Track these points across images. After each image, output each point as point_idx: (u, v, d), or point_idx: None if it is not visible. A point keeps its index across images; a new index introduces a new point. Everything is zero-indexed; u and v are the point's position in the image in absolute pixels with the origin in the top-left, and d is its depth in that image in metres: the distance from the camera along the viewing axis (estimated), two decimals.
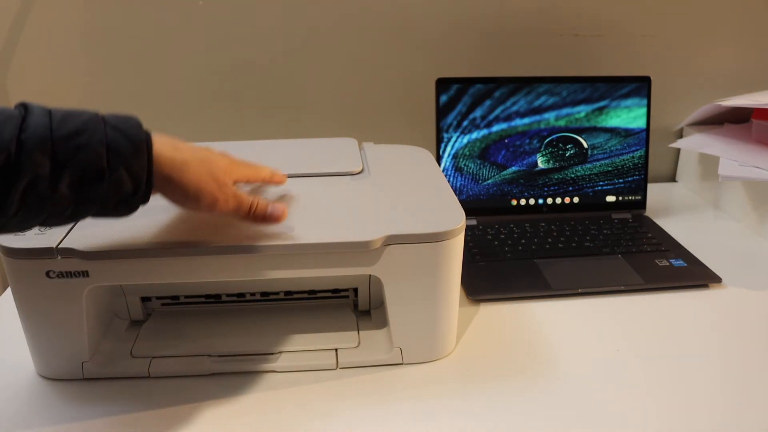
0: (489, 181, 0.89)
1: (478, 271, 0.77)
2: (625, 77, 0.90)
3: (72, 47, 0.94)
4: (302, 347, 0.62)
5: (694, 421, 0.54)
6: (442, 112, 0.88)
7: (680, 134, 1.09)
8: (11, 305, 0.62)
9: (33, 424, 0.54)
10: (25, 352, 0.60)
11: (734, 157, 0.88)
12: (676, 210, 0.97)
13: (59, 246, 0.53)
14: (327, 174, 0.68)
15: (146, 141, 0.47)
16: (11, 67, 0.94)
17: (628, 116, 0.90)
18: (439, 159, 0.88)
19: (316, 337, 0.63)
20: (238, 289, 0.66)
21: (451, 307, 0.61)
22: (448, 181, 0.75)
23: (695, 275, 0.76)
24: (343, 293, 0.68)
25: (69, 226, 0.56)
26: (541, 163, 0.90)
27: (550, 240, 0.84)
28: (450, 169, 0.89)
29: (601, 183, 0.91)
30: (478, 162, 0.89)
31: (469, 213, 0.77)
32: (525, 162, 0.90)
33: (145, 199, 0.48)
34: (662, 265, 0.78)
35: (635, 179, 0.92)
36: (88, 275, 0.54)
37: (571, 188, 0.91)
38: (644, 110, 0.91)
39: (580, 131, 0.90)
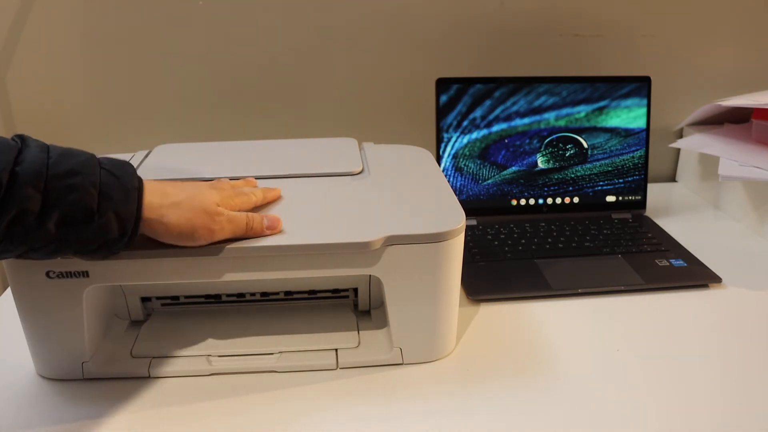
0: (489, 181, 0.89)
1: (478, 271, 0.77)
2: (625, 77, 0.90)
3: (72, 47, 0.94)
4: (302, 347, 0.62)
5: (694, 421, 0.54)
6: (442, 112, 0.88)
7: (680, 134, 1.09)
8: (11, 305, 0.62)
9: (33, 424, 0.54)
10: (25, 352, 0.60)
11: (734, 157, 0.88)
12: (676, 210, 0.97)
13: None
14: (327, 174, 0.68)
15: (138, 188, 0.48)
16: (11, 67, 0.94)
17: (628, 116, 0.90)
18: (439, 159, 0.88)
19: (316, 337, 0.63)
20: (238, 289, 0.66)
21: (451, 307, 0.61)
22: (448, 181, 0.75)
23: (695, 275, 0.76)
24: (343, 293, 0.68)
25: None
26: (541, 163, 0.90)
27: (550, 240, 0.84)
28: (450, 169, 0.89)
29: (601, 183, 0.91)
30: (478, 162, 0.89)
31: (469, 213, 0.77)
32: (525, 162, 0.90)
33: (128, 245, 0.50)
34: (662, 265, 0.78)
35: (635, 179, 0.92)
36: (87, 275, 0.54)
37: (571, 188, 0.91)
38: (644, 110, 0.91)
39: (580, 131, 0.90)
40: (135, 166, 0.51)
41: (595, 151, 0.91)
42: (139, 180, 0.49)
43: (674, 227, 0.89)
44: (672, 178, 1.12)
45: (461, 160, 0.89)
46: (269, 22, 0.95)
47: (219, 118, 1.00)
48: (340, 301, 0.68)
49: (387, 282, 0.58)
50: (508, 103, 0.88)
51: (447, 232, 0.56)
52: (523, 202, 0.90)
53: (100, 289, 0.58)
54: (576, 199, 0.91)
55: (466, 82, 0.87)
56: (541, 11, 0.98)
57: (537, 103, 0.89)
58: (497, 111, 0.88)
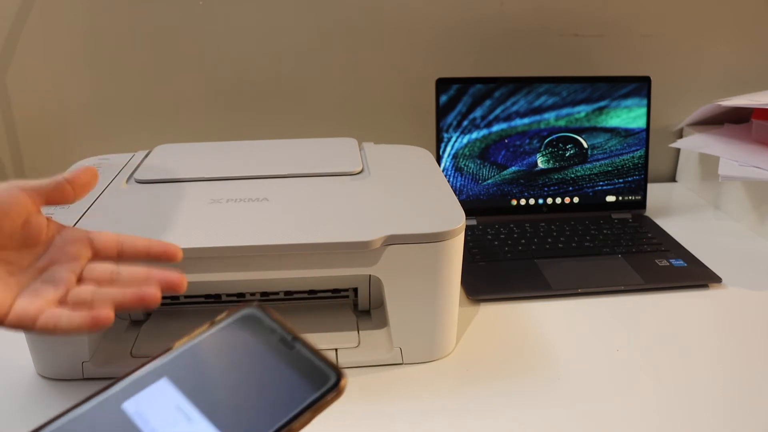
0: (489, 181, 0.89)
1: (478, 271, 0.77)
2: (625, 77, 0.90)
3: (72, 47, 0.94)
4: None
5: (695, 421, 0.54)
6: (442, 112, 0.88)
7: (680, 134, 1.09)
8: None
9: (33, 424, 0.54)
10: (25, 352, 0.60)
11: (734, 157, 0.88)
12: (676, 210, 0.97)
13: None
14: (327, 174, 0.68)
15: None
16: (11, 67, 0.94)
17: (628, 116, 0.90)
18: (439, 159, 0.88)
19: (316, 337, 0.63)
20: (238, 289, 0.66)
21: (451, 307, 0.61)
22: (448, 181, 0.75)
23: (695, 275, 0.76)
24: (343, 293, 0.68)
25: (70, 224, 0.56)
26: (541, 163, 0.90)
27: (550, 240, 0.84)
28: (450, 169, 0.89)
29: (601, 183, 0.91)
30: (478, 162, 0.89)
31: (469, 213, 0.77)
32: (525, 162, 0.90)
33: None
34: (662, 265, 0.78)
35: (635, 179, 0.92)
36: None
37: (571, 188, 0.91)
38: (644, 110, 0.91)
39: (580, 131, 0.90)
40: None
41: (595, 151, 0.91)
42: None
43: (674, 227, 0.89)
44: (672, 178, 1.12)
45: (461, 160, 0.89)
46: (269, 22, 0.95)
47: (219, 118, 1.00)
48: (340, 301, 0.68)
49: (387, 282, 0.58)
50: (508, 103, 0.88)
51: (447, 232, 0.56)
52: (523, 202, 0.90)
53: None
54: (576, 199, 0.91)
55: (466, 82, 0.87)
56: (541, 11, 0.98)
57: (537, 103, 0.89)
58: (497, 111, 0.88)
